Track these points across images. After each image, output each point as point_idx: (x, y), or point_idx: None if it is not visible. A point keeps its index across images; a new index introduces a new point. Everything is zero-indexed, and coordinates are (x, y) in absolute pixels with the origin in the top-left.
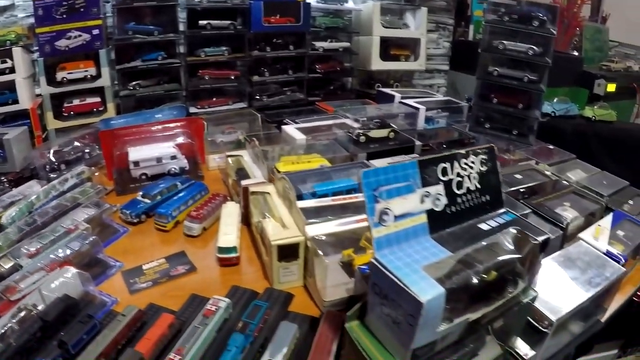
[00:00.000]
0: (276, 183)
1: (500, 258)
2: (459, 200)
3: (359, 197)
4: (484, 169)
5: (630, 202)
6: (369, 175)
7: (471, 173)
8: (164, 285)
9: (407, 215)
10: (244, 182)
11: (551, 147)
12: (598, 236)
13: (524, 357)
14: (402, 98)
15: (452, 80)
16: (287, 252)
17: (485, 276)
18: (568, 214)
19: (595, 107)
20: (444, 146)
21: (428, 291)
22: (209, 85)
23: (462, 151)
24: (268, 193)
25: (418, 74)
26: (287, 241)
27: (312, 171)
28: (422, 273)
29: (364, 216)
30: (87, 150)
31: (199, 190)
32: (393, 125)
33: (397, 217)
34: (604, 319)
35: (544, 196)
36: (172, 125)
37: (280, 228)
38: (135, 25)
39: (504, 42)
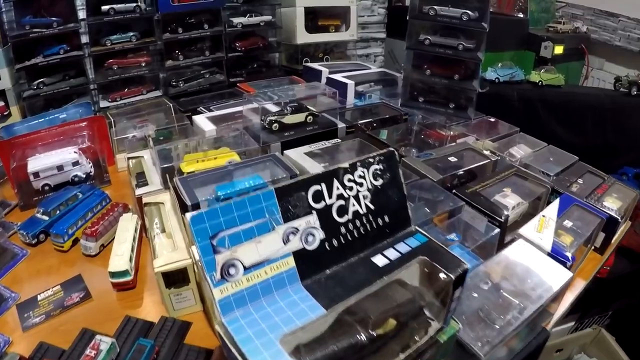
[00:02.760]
0: (171, 191)
1: (400, 303)
2: (342, 230)
3: None
4: (379, 182)
5: (580, 181)
6: (200, 219)
7: (360, 191)
8: (57, 318)
9: (264, 264)
10: (137, 191)
11: (492, 119)
12: (542, 230)
13: None
14: (331, 72)
15: (389, 48)
16: (177, 277)
17: (374, 332)
18: (509, 200)
19: (542, 71)
20: (374, 125)
21: None
22: (119, 75)
23: (346, 165)
24: (162, 203)
25: (352, 44)
26: (172, 267)
27: (216, 171)
28: (277, 347)
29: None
30: None
31: (99, 201)
32: (311, 108)
33: (249, 269)
34: (550, 325)
35: (483, 181)
36: (72, 127)
37: (170, 248)
38: (32, 18)
39: (435, 7)
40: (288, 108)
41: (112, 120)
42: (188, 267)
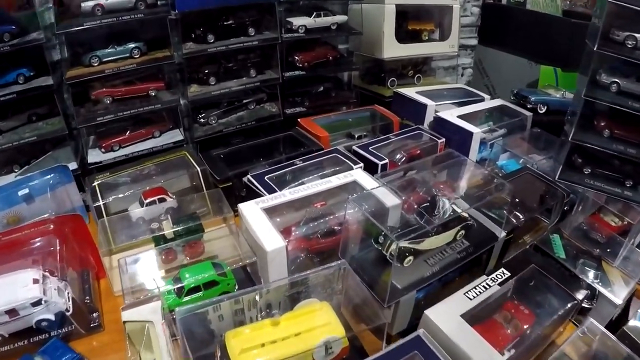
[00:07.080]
0: None
1: None
2: None
3: None
4: None
5: None
6: None
7: None
8: None
9: None
10: None
11: None
12: None
13: None
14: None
15: (477, 58)
16: None
17: None
18: None
19: None
20: (522, 218)
21: None
22: (114, 114)
23: None
24: None
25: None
26: None
27: None
28: None
29: None
30: None
31: None
32: (464, 215)
33: None
34: None
35: None
36: (31, 231)
37: None
38: None
39: (636, 35)
40: (433, 225)
41: (101, 202)
42: None
